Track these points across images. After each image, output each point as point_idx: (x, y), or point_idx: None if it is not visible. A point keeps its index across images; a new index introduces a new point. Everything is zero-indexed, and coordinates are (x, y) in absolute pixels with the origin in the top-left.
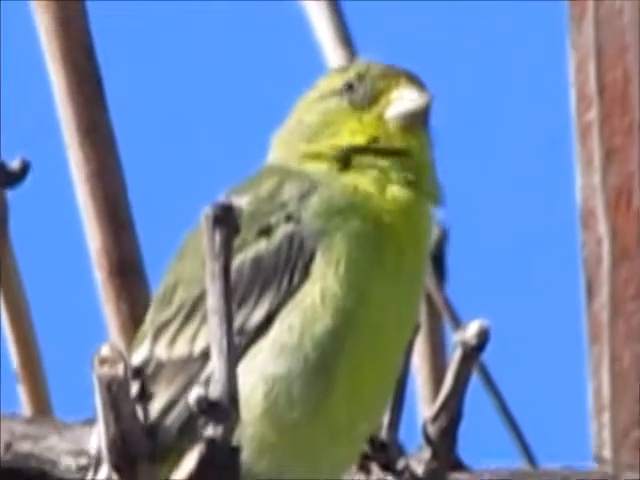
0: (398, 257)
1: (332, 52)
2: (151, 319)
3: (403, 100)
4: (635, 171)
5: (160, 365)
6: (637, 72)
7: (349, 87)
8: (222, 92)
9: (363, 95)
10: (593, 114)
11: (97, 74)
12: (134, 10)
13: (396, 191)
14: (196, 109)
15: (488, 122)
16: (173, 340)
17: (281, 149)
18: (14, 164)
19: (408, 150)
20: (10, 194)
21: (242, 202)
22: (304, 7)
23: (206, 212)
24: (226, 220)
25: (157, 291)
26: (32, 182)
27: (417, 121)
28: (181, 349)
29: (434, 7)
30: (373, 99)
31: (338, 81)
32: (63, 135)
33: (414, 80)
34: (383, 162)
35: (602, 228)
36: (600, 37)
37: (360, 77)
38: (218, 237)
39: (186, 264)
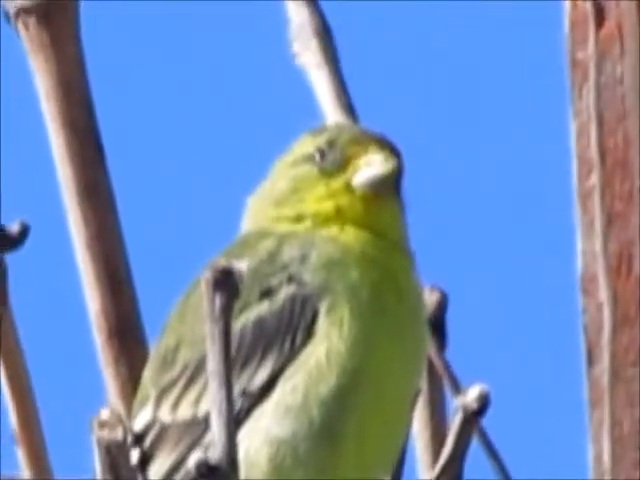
0: (398, 302)
1: (333, 115)
2: (153, 380)
3: (370, 166)
4: (636, 237)
5: (164, 429)
6: (637, 138)
7: (320, 153)
8: (222, 155)
9: (332, 161)
10: (594, 179)
11: (97, 135)
12: (135, 70)
13: (379, 242)
14: (197, 171)
15: (489, 187)
16: (177, 403)
17: (253, 212)
18: (13, 228)
19: (372, 218)
20: (9, 257)
21: (242, 266)
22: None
23: (206, 276)
24: (226, 284)
25: (156, 350)
26: (31, 244)
27: (384, 187)
28: (185, 412)
29: (433, 72)
30: (342, 165)
31: (310, 146)
32: (62, 197)
33: (384, 146)
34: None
35: (603, 294)
36: (601, 102)
37: (331, 143)
38: (218, 301)
39: (187, 324)
